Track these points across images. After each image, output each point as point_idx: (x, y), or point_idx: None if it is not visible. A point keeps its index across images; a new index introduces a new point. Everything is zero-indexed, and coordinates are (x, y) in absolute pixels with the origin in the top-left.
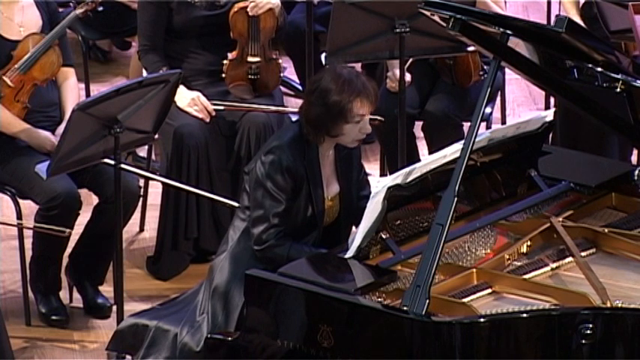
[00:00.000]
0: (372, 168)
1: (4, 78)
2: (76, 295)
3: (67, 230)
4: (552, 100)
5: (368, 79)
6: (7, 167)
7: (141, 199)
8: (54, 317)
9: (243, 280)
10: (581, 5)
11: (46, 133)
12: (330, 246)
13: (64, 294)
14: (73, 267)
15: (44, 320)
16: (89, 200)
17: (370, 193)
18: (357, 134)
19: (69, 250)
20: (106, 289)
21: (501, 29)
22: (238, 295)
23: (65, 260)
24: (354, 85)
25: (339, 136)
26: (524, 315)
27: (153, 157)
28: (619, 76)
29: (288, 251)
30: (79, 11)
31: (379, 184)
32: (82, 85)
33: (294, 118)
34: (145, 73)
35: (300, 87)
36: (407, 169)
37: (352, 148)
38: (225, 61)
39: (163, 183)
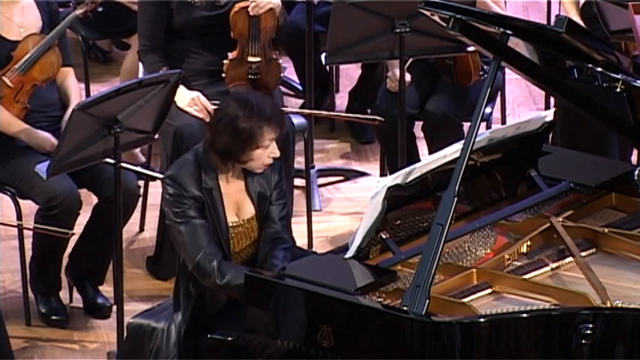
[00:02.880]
0: (372, 168)
1: (4, 78)
2: (76, 295)
3: (70, 232)
4: (552, 100)
5: (273, 102)
6: (7, 167)
7: (141, 199)
8: (54, 317)
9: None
10: (581, 5)
11: (46, 134)
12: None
13: (64, 294)
14: (73, 267)
15: (44, 320)
16: (89, 200)
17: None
18: (265, 159)
19: (69, 250)
20: (106, 289)
21: (501, 29)
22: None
23: (65, 260)
24: (263, 110)
25: (247, 162)
26: (524, 315)
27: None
28: (619, 76)
29: (218, 264)
30: (79, 11)
31: (379, 184)
32: (82, 85)
33: (294, 118)
34: (141, 74)
35: (300, 87)
36: (407, 169)
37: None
38: (225, 61)
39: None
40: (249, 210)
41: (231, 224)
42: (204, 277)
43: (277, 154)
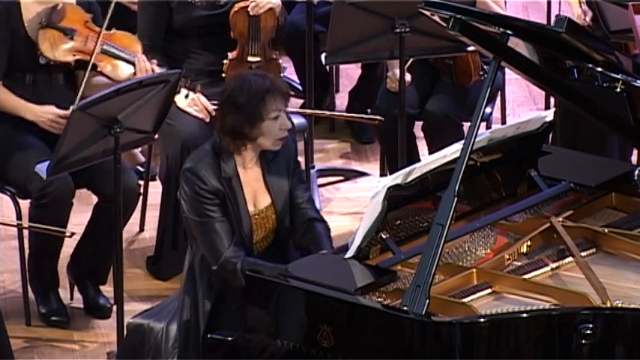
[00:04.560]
0: (372, 168)
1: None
2: (77, 295)
3: (68, 231)
4: (552, 100)
5: (272, 75)
6: (6, 164)
7: (141, 199)
8: (54, 318)
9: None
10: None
11: (53, 108)
12: (279, 256)
13: (64, 293)
14: (75, 266)
15: (44, 320)
16: (89, 200)
17: (305, 200)
18: (277, 132)
19: (71, 249)
20: (106, 289)
21: (501, 29)
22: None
23: (67, 259)
24: (261, 83)
25: (259, 139)
26: (524, 315)
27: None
28: (619, 76)
29: (241, 267)
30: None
31: (379, 184)
32: None
33: (294, 118)
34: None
35: (300, 87)
36: (407, 169)
37: (280, 152)
38: (225, 61)
39: None
40: (266, 199)
41: (251, 212)
42: (229, 278)
43: (288, 125)
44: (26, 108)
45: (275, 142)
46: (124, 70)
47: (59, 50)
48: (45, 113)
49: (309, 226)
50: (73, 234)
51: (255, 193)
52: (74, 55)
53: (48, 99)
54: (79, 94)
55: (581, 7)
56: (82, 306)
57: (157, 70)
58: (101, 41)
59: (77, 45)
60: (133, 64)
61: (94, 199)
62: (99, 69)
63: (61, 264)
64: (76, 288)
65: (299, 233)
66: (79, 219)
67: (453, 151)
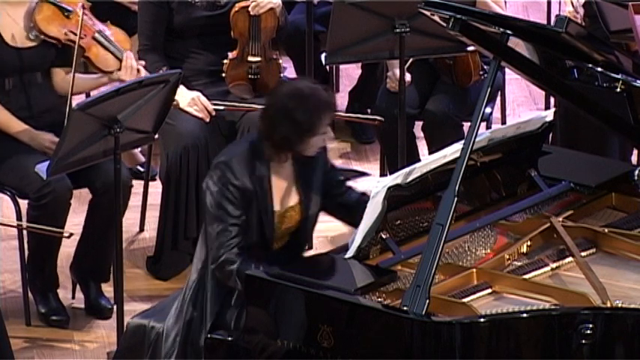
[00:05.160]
0: (372, 168)
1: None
2: (78, 295)
3: (66, 231)
4: (552, 100)
5: (324, 88)
6: (6, 166)
7: (141, 199)
8: (54, 317)
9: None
10: (581, 4)
11: (49, 135)
12: (294, 253)
13: (65, 293)
14: (77, 266)
15: (44, 320)
16: (87, 199)
17: (347, 187)
18: (321, 143)
19: (71, 249)
20: (106, 289)
21: (501, 29)
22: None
23: (68, 260)
24: (319, 99)
25: (303, 150)
26: (524, 315)
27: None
28: (619, 76)
29: (237, 268)
30: None
31: (379, 184)
32: None
33: None
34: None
35: None
36: (407, 169)
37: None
38: (225, 61)
39: None
40: (293, 198)
41: (276, 211)
42: (224, 278)
43: (332, 136)
44: (24, 133)
45: (315, 151)
46: (110, 62)
47: (53, 25)
48: (41, 139)
49: (362, 203)
50: (71, 234)
51: (284, 191)
52: (66, 35)
53: (29, 100)
54: (72, 74)
55: (572, 5)
56: (82, 306)
57: (143, 71)
58: (95, 25)
59: (71, 25)
60: (120, 59)
61: None
62: (86, 53)
63: (62, 264)
64: (78, 288)
65: (358, 214)
66: (78, 219)
67: (453, 151)
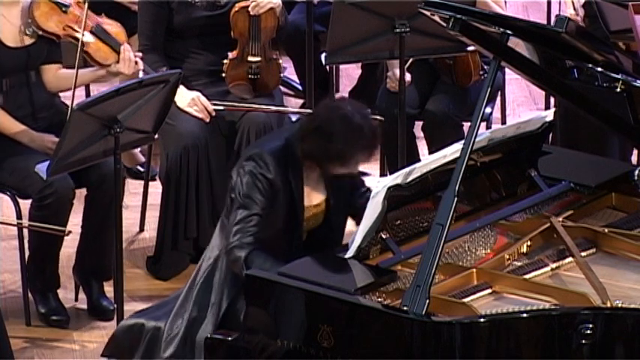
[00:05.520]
0: (372, 168)
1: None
2: (80, 295)
3: (67, 229)
4: (552, 100)
5: (375, 125)
6: (7, 167)
7: (141, 199)
8: (54, 317)
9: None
10: (582, 4)
11: (49, 136)
12: (316, 250)
13: (66, 293)
14: (79, 265)
15: (44, 320)
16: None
17: (364, 190)
18: (347, 174)
19: (73, 250)
20: (106, 289)
21: (501, 29)
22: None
23: (71, 259)
24: (363, 136)
25: (328, 172)
26: (524, 315)
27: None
28: (619, 76)
29: (246, 256)
30: None
31: (379, 184)
32: (83, 86)
33: (294, 117)
34: (141, 74)
35: (300, 87)
36: (407, 169)
37: None
38: (225, 61)
39: None
40: (319, 196)
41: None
42: (232, 263)
43: (356, 173)
44: (24, 135)
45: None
46: (108, 55)
47: (51, 21)
48: (42, 141)
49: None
50: (69, 232)
51: (313, 189)
52: (64, 30)
53: (26, 100)
54: (75, 69)
55: (574, 7)
56: (84, 307)
57: (140, 63)
58: (92, 18)
59: (69, 19)
60: (117, 52)
61: None
62: (85, 47)
63: (63, 264)
64: (81, 289)
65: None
66: (77, 219)
67: (453, 151)
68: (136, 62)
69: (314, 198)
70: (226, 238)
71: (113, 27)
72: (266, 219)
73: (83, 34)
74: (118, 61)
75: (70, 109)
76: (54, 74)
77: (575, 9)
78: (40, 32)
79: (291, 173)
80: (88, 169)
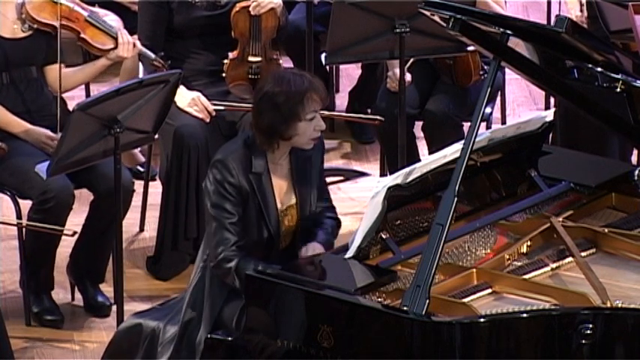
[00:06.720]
0: (372, 168)
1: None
2: (77, 295)
3: (65, 229)
4: (552, 100)
5: (312, 75)
6: (6, 167)
7: (141, 199)
8: (47, 317)
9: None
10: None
11: (44, 130)
12: (291, 255)
13: (65, 293)
14: (74, 265)
15: (38, 320)
16: (89, 199)
17: (328, 204)
18: (311, 132)
19: (70, 249)
20: (106, 289)
21: (501, 29)
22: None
23: (66, 260)
24: (300, 82)
25: (293, 138)
26: (524, 315)
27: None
28: (619, 76)
29: (236, 266)
30: None
31: (379, 184)
32: (82, 85)
33: None
34: (141, 74)
35: None
36: (407, 169)
37: (310, 154)
38: (225, 61)
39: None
40: (291, 198)
41: (278, 209)
42: (223, 276)
43: (323, 126)
44: (19, 126)
45: (308, 142)
46: (106, 41)
47: (45, 12)
48: (37, 134)
49: (320, 215)
50: (75, 232)
51: (283, 190)
52: (59, 19)
53: (25, 95)
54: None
55: (581, 9)
56: (82, 305)
57: (139, 44)
58: (84, 7)
59: (62, 10)
60: (114, 37)
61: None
62: (82, 35)
63: (61, 264)
64: (76, 288)
65: (304, 224)
66: (78, 219)
67: (453, 151)
68: (134, 45)
69: (288, 198)
70: (210, 252)
71: (106, 15)
72: (242, 224)
73: (73, 21)
74: (116, 47)
75: (59, 101)
76: (56, 76)
77: (582, 10)
78: (35, 25)
79: (256, 172)
80: (98, 178)
